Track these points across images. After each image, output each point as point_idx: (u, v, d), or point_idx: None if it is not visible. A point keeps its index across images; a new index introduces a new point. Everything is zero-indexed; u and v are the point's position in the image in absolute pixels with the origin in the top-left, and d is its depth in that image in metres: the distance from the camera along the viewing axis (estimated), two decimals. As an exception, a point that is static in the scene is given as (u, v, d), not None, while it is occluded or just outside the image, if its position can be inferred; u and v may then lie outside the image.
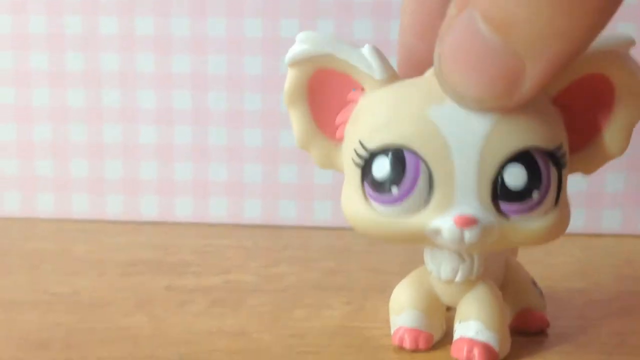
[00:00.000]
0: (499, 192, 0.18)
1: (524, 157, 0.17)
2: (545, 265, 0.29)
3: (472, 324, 0.20)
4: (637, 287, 0.27)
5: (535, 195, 0.18)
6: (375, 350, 0.21)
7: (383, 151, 0.18)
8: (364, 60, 0.18)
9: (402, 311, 0.21)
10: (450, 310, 0.22)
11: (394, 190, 0.18)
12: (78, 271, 0.28)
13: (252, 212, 0.35)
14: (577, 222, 0.34)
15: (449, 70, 0.17)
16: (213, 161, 0.35)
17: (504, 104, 0.17)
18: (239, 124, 0.35)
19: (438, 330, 0.21)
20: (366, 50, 0.18)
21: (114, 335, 0.22)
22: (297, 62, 0.19)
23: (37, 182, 0.36)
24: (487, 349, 0.20)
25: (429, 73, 0.18)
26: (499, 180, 0.17)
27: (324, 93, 0.19)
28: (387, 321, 0.22)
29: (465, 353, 0.20)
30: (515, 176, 0.17)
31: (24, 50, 0.35)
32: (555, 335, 0.23)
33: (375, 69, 0.18)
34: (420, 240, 0.19)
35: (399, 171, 0.18)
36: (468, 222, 0.17)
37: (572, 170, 0.19)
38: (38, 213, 0.36)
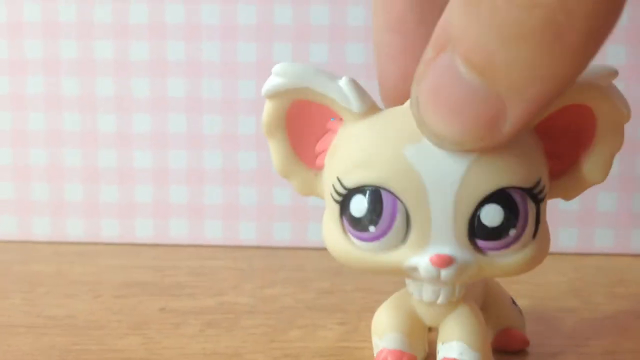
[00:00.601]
0: (476, 231, 0.18)
1: (500, 197, 0.17)
2: (536, 284, 0.29)
3: (456, 345, 0.20)
4: (630, 306, 0.27)
5: (512, 232, 0.18)
6: (369, 371, 0.22)
7: (360, 190, 0.18)
8: (341, 93, 0.18)
9: (384, 333, 0.21)
10: (432, 331, 0.22)
11: (372, 228, 0.18)
12: (73, 294, 0.28)
13: (247, 234, 0.35)
14: (570, 241, 0.34)
15: (428, 114, 0.17)
16: (208, 183, 0.35)
17: (485, 145, 0.17)
18: (234, 146, 0.35)
19: (421, 351, 0.21)
20: (343, 83, 0.18)
21: (108, 358, 0.22)
22: (273, 95, 0.19)
23: (33, 205, 0.36)
24: None
25: (407, 105, 0.18)
26: (476, 219, 0.18)
27: (303, 122, 0.19)
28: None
29: None
30: (492, 215, 0.17)
31: (20, 74, 0.35)
32: (547, 355, 0.23)
33: (352, 102, 0.18)
34: (399, 274, 0.19)
35: (376, 210, 0.18)
36: (444, 262, 0.18)
37: (552, 196, 0.19)
38: (34, 236, 0.36)
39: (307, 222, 0.35)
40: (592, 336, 0.24)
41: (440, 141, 0.17)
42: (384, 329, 0.21)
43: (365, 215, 0.18)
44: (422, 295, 0.20)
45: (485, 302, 0.23)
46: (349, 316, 0.26)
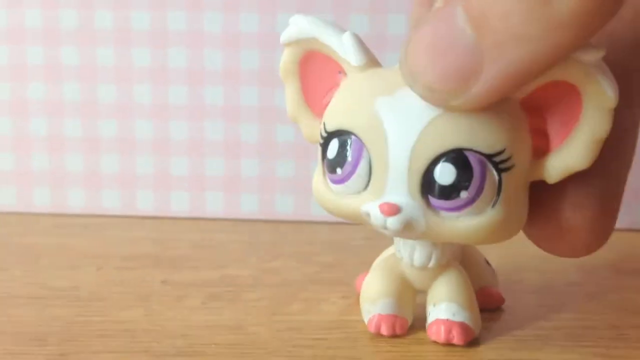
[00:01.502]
0: (429, 187, 0.18)
1: (455, 156, 0.18)
2: (543, 258, 0.29)
3: (448, 306, 0.21)
4: (635, 281, 0.27)
5: (464, 194, 0.18)
6: (370, 343, 0.22)
7: (336, 134, 0.19)
8: (342, 46, 0.19)
9: (377, 299, 0.22)
10: (419, 293, 0.22)
11: (339, 170, 0.19)
12: (75, 266, 0.28)
13: (250, 207, 0.35)
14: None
15: (412, 53, 0.17)
16: (210, 156, 0.35)
17: (452, 100, 0.17)
18: (236, 118, 0.35)
19: (410, 315, 0.22)
20: (345, 36, 0.19)
21: (110, 329, 0.22)
22: (287, 43, 0.20)
23: (34, 176, 0.36)
24: (465, 328, 0.21)
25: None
26: (430, 175, 0.18)
27: (315, 73, 0.20)
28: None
29: (443, 334, 0.21)
30: (444, 174, 0.18)
31: (19, 44, 0.35)
32: (553, 329, 0.23)
33: (351, 55, 0.19)
34: (359, 221, 0.19)
35: (344, 154, 0.19)
36: (390, 210, 0.18)
37: (535, 176, 0.19)
38: (34, 208, 0.36)
39: (310, 195, 0.34)
40: (599, 311, 0.24)
41: (413, 83, 0.17)
42: (376, 294, 0.22)
43: (335, 157, 0.19)
44: (414, 259, 0.21)
45: (461, 263, 0.23)
46: (352, 290, 0.26)
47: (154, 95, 0.35)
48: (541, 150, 0.18)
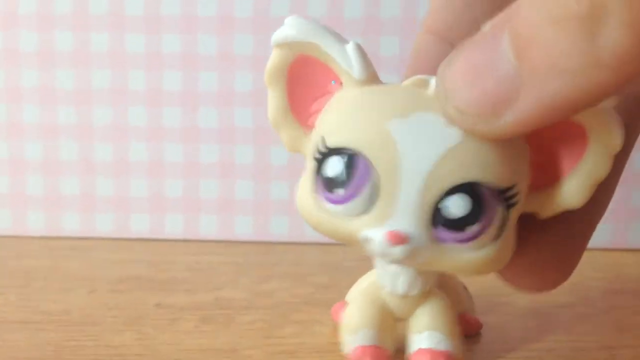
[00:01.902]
0: (439, 218, 0.17)
1: (470, 189, 0.17)
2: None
3: (431, 334, 0.21)
4: (626, 302, 0.27)
5: (474, 228, 0.17)
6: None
7: (339, 151, 0.18)
8: (345, 56, 0.18)
9: (357, 330, 0.21)
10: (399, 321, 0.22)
11: (340, 191, 0.18)
12: (68, 289, 0.28)
13: (244, 229, 0.35)
14: (567, 236, 0.34)
15: (451, 73, 0.17)
16: (204, 178, 0.35)
17: (481, 125, 0.16)
18: (231, 140, 0.35)
19: (391, 345, 0.22)
20: (350, 47, 0.18)
21: (103, 354, 0.22)
22: (281, 44, 0.19)
23: (28, 199, 0.36)
24: (449, 357, 0.20)
25: (407, 82, 0.18)
26: (441, 205, 0.17)
27: (304, 79, 0.19)
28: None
29: None
30: (458, 205, 0.17)
31: (14, 67, 0.35)
32: (544, 351, 0.23)
33: (354, 67, 0.18)
34: (350, 243, 0.19)
35: (348, 173, 0.18)
36: (400, 239, 0.17)
37: (527, 209, 0.18)
38: (28, 231, 0.36)
39: (304, 216, 0.35)
40: (589, 332, 0.24)
41: (446, 102, 0.17)
42: (357, 325, 0.21)
43: (337, 176, 0.18)
44: (398, 287, 0.21)
45: (439, 288, 0.23)
46: (346, 311, 0.26)
47: (149, 118, 0.35)
48: (535, 184, 0.18)
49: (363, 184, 0.18)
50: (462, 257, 0.18)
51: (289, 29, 0.19)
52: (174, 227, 0.35)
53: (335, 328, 0.24)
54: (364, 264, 0.31)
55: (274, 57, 0.19)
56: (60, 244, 0.35)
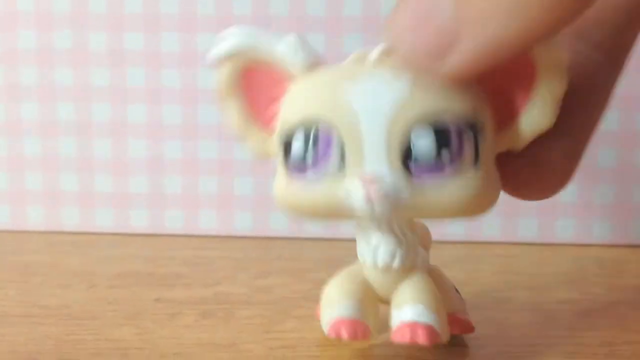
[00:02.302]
0: (409, 155, 0.18)
1: (432, 121, 0.18)
2: (534, 275, 0.29)
3: (412, 308, 0.20)
4: (627, 297, 0.27)
5: (445, 156, 0.18)
6: (365, 361, 0.21)
7: (300, 128, 0.19)
8: (287, 48, 0.19)
9: (335, 303, 0.20)
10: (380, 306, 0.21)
11: (309, 159, 0.18)
12: (68, 284, 0.28)
13: (243, 224, 0.35)
14: (567, 232, 0.34)
15: (398, 17, 0.17)
16: (203, 174, 0.35)
17: (431, 66, 0.17)
18: (230, 136, 0.35)
19: (373, 323, 0.21)
20: (290, 39, 0.19)
21: (103, 348, 0.22)
22: (224, 60, 0.20)
23: (28, 195, 0.36)
24: (430, 330, 0.19)
25: (349, 59, 0.19)
26: (408, 143, 0.18)
27: (257, 86, 0.20)
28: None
29: (409, 335, 0.19)
30: (423, 138, 0.18)
31: (13, 64, 0.35)
32: (544, 346, 0.23)
33: (299, 54, 0.19)
34: (338, 212, 0.19)
35: (313, 141, 0.18)
36: (373, 179, 0.18)
37: (502, 147, 0.19)
38: (28, 226, 0.36)
39: (304, 212, 0.35)
40: (590, 327, 0.24)
41: (397, 45, 0.17)
42: (335, 299, 0.21)
43: (303, 147, 0.18)
44: (378, 258, 0.20)
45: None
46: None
47: (148, 114, 0.35)
48: (501, 122, 0.19)
49: (329, 148, 0.18)
50: (444, 192, 0.18)
51: (227, 41, 0.19)
52: (173, 222, 0.35)
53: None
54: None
55: (222, 73, 0.20)
56: (60, 239, 0.35)
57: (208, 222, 0.35)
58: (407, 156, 0.18)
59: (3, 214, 0.36)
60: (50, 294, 0.27)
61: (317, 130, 0.18)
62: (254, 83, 0.20)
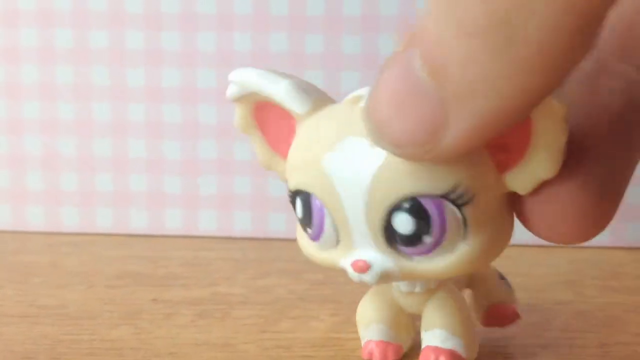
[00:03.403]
0: (392, 237, 0.18)
1: (410, 205, 0.17)
2: (530, 276, 0.29)
3: (437, 332, 0.20)
4: (623, 299, 0.27)
5: (427, 239, 0.17)
6: (359, 362, 0.22)
7: (298, 193, 0.19)
8: (282, 96, 0.19)
9: (369, 325, 0.21)
10: (418, 319, 0.22)
11: (309, 230, 0.19)
12: (66, 284, 0.28)
13: (242, 225, 0.35)
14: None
15: (376, 106, 0.16)
16: (203, 174, 0.35)
17: (422, 154, 0.15)
18: (229, 136, 0.35)
19: (406, 340, 0.22)
20: (282, 87, 0.19)
21: (99, 348, 0.22)
22: (234, 100, 0.20)
23: (28, 195, 0.36)
24: (453, 356, 0.20)
25: (348, 99, 0.19)
26: (389, 225, 0.17)
27: (272, 120, 0.20)
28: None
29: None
30: (402, 223, 0.17)
31: (14, 63, 0.35)
32: (540, 347, 0.23)
33: (293, 104, 0.19)
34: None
35: (308, 214, 0.19)
36: (361, 268, 0.18)
37: (508, 189, 0.18)
38: (28, 226, 0.36)
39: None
40: (586, 329, 0.24)
41: (380, 138, 0.16)
42: (369, 320, 0.22)
43: (303, 218, 0.19)
44: (400, 285, 0.21)
45: (472, 280, 0.23)
46: (341, 307, 0.26)
47: (148, 114, 0.35)
48: (502, 165, 0.18)
49: (322, 221, 0.18)
50: (436, 264, 0.18)
51: (233, 86, 0.20)
52: (172, 223, 0.36)
53: (330, 324, 0.24)
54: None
55: (237, 112, 0.20)
56: (60, 239, 0.35)
57: (207, 223, 0.35)
58: (390, 237, 0.18)
59: (3, 214, 0.36)
60: (48, 294, 0.27)
61: (312, 202, 0.18)
62: (270, 117, 0.20)
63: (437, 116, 0.15)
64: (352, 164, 0.17)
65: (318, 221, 0.18)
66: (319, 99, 0.19)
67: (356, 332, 0.23)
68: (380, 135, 0.16)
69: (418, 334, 0.21)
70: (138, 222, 0.36)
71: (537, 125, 0.17)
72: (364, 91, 0.18)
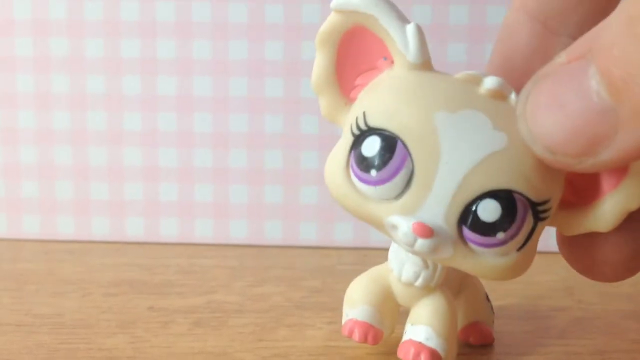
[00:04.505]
0: (467, 218, 0.17)
1: (505, 197, 0.17)
2: (529, 283, 0.29)
3: (423, 329, 0.21)
4: (621, 306, 0.27)
5: (500, 235, 0.17)
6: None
7: (379, 132, 0.17)
8: (403, 36, 0.18)
9: (356, 304, 0.21)
10: (405, 312, 0.22)
11: (373, 172, 0.17)
12: (62, 292, 0.28)
13: (238, 232, 0.35)
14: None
15: (533, 111, 0.16)
16: (199, 182, 0.35)
17: (576, 164, 0.15)
18: (225, 144, 0.35)
19: (388, 328, 0.22)
20: (410, 28, 0.18)
21: (95, 356, 0.22)
22: (340, 10, 0.18)
23: (23, 203, 0.36)
24: (433, 355, 0.20)
25: (460, 76, 0.18)
26: (473, 207, 0.17)
27: (355, 50, 0.19)
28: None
29: (411, 356, 0.20)
30: (488, 209, 0.17)
31: (9, 72, 0.35)
32: (538, 354, 0.23)
33: (411, 49, 0.18)
34: (376, 226, 0.18)
35: (385, 157, 0.17)
36: (425, 232, 0.17)
37: (553, 224, 0.18)
38: (24, 234, 0.36)
39: (299, 220, 0.35)
40: (583, 336, 0.24)
41: (532, 141, 0.16)
42: (356, 300, 0.21)
43: (373, 157, 0.17)
44: (402, 274, 0.21)
45: (459, 292, 0.23)
46: (338, 315, 0.25)
47: (144, 122, 0.35)
48: (564, 201, 0.18)
49: (398, 170, 0.17)
50: (484, 261, 0.18)
51: None
52: (168, 230, 0.35)
53: (327, 332, 0.24)
54: (357, 267, 0.30)
55: (330, 21, 0.18)
56: (55, 247, 0.35)
57: (203, 231, 0.35)
58: (464, 217, 0.17)
59: (-1, 222, 0.36)
60: (44, 302, 0.27)
61: (395, 146, 0.17)
62: (355, 46, 0.19)
63: (605, 130, 0.15)
64: (469, 136, 0.17)
65: (393, 168, 0.17)
66: (429, 58, 0.18)
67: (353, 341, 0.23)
68: (536, 138, 0.16)
69: (399, 325, 0.22)
70: (134, 229, 0.36)
71: (624, 184, 0.17)
72: (477, 72, 0.18)
